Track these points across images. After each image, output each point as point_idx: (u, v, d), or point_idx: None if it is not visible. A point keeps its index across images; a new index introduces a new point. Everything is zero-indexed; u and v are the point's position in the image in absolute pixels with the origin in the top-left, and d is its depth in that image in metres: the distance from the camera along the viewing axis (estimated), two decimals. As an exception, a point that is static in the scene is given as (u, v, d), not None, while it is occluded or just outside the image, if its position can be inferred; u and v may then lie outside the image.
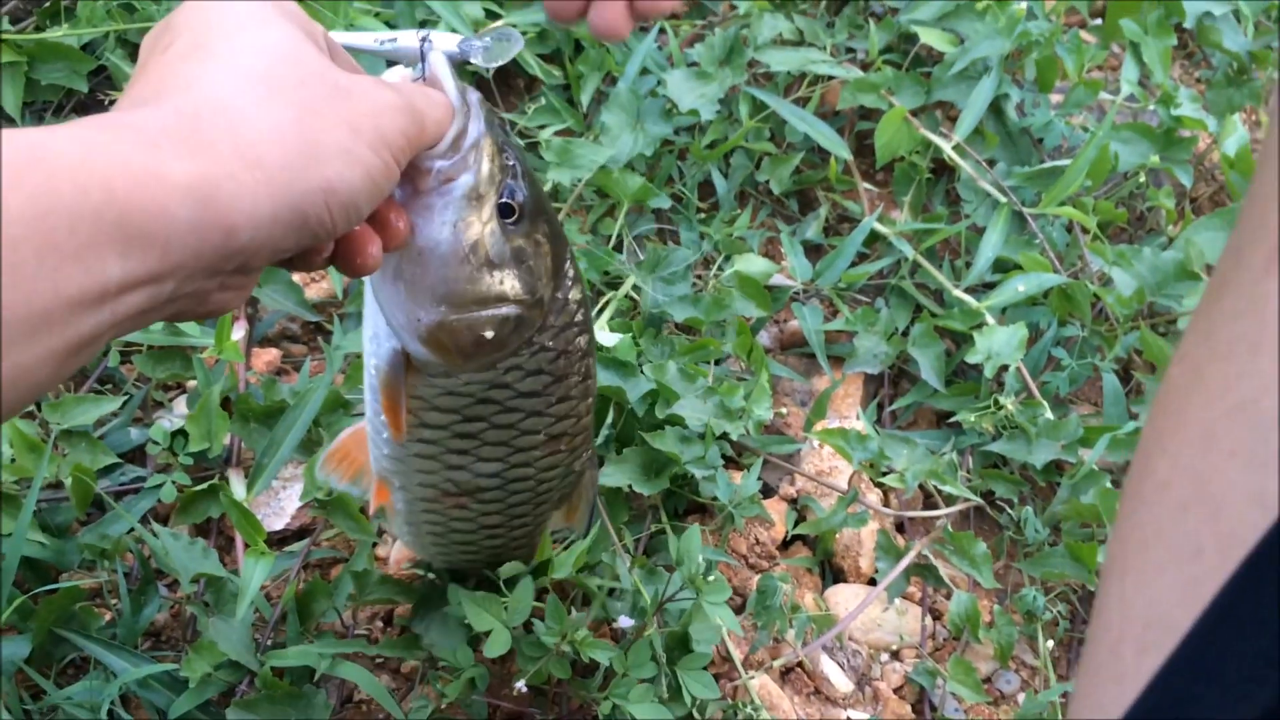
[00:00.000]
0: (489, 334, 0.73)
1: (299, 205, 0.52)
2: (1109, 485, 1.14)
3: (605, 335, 1.16)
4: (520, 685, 0.91)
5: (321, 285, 1.30)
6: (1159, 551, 0.45)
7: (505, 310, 0.73)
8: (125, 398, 1.14)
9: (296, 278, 1.26)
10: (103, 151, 0.47)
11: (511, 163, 0.72)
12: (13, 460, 1.02)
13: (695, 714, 0.97)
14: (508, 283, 0.72)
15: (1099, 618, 0.48)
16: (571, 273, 0.78)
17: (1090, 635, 0.49)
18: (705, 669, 0.98)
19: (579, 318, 0.80)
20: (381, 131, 0.57)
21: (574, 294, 0.79)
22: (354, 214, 0.56)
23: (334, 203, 0.54)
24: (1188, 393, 0.46)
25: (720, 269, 1.34)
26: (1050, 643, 1.10)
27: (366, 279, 0.73)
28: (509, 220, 0.72)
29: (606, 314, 1.23)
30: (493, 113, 0.71)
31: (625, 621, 0.95)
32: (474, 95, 0.69)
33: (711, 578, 0.98)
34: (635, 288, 1.28)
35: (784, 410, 1.26)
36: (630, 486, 1.09)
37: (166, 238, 0.48)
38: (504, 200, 0.71)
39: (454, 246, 0.69)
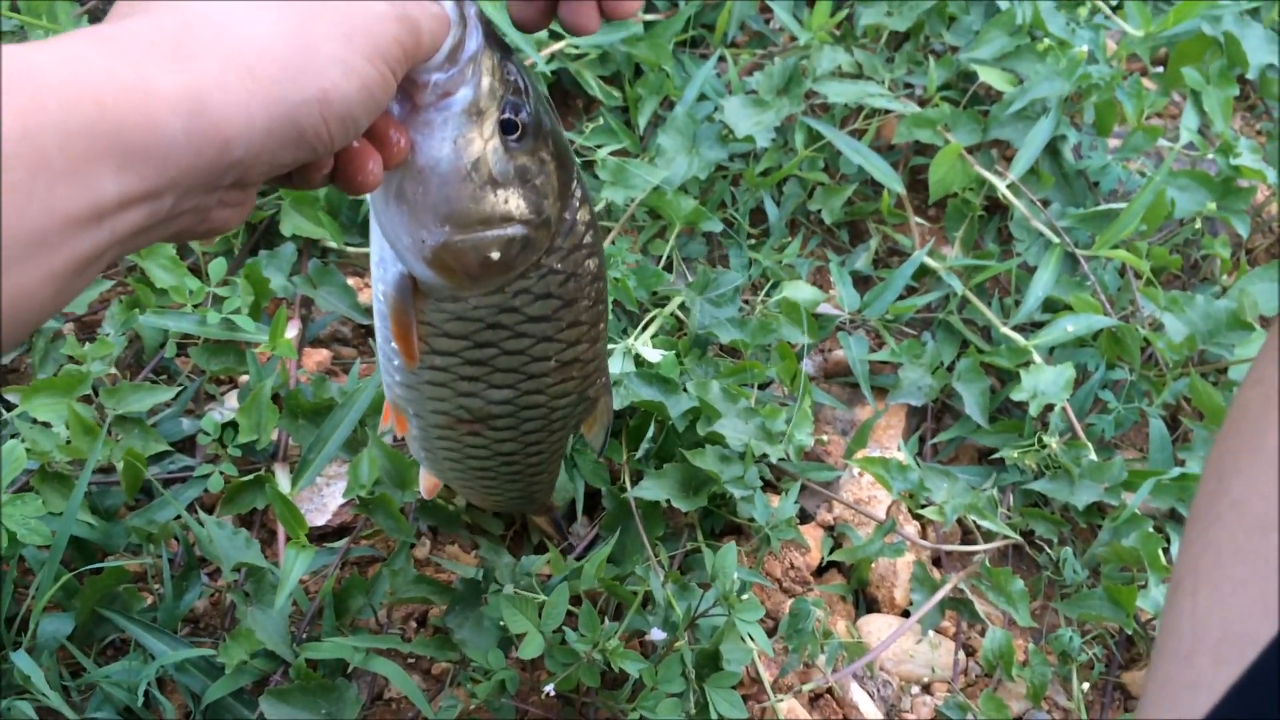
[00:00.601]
0: (495, 255, 0.71)
1: (293, 116, 0.52)
2: (1151, 530, 1.13)
3: (648, 350, 1.17)
4: (549, 689, 0.91)
5: (375, 290, 1.33)
6: (1237, 568, 0.45)
7: (511, 231, 0.71)
8: (179, 389, 1.17)
9: (351, 281, 1.28)
10: (89, 65, 0.47)
11: (514, 78, 0.69)
12: (68, 441, 1.05)
13: (721, 732, 0.97)
14: (513, 202, 0.70)
15: (1168, 632, 0.48)
16: (579, 193, 0.76)
17: (1158, 649, 0.49)
18: (734, 689, 0.98)
19: (588, 240, 0.77)
20: (375, 40, 0.56)
21: (582, 215, 0.76)
22: (351, 127, 0.55)
23: (330, 114, 0.53)
24: (1264, 413, 0.47)
25: (768, 295, 1.35)
26: (1085, 685, 1.08)
27: (370, 201, 0.71)
28: (512, 137, 0.69)
29: (651, 330, 1.24)
30: (494, 26, 0.69)
31: (657, 634, 0.95)
32: (471, 7, 0.66)
33: (745, 597, 0.98)
34: (683, 306, 1.29)
35: (824, 437, 1.26)
36: (668, 501, 1.09)
37: (161, 151, 0.48)
38: (506, 116, 0.69)
39: (455, 164, 0.68)
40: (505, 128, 0.69)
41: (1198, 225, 1.38)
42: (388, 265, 0.75)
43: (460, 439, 0.87)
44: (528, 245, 0.73)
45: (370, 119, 0.57)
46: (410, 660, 1.06)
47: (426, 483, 1.02)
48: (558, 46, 1.48)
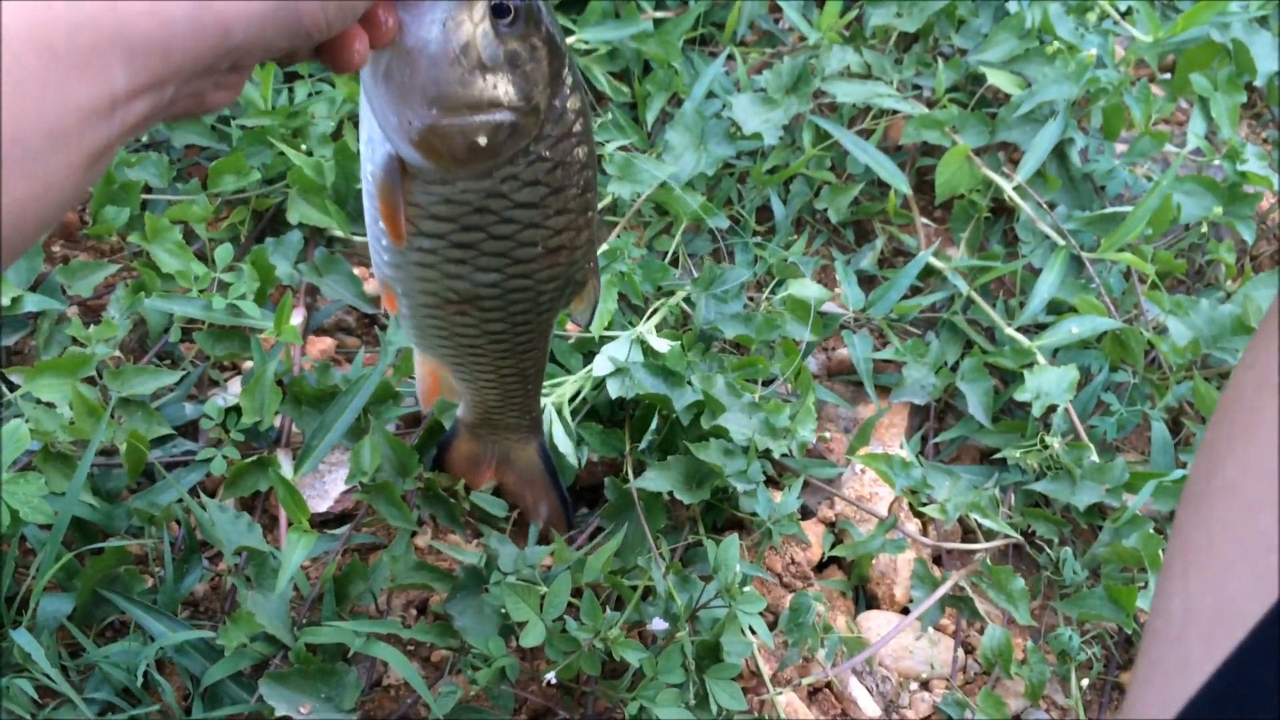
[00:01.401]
0: (482, 140, 0.71)
1: (294, 3, 0.53)
2: (1152, 531, 1.13)
3: (656, 340, 1.17)
4: (550, 677, 0.91)
5: (380, 279, 1.33)
6: (1229, 548, 0.45)
7: (499, 116, 0.71)
8: (183, 373, 1.17)
9: (356, 270, 1.28)
10: None
11: None
12: (71, 422, 1.05)
13: (721, 724, 0.97)
14: (501, 87, 0.70)
15: (1159, 614, 0.48)
16: (570, 81, 0.75)
17: (1149, 630, 0.49)
18: (733, 681, 0.98)
19: (578, 128, 0.77)
20: None
21: (573, 103, 0.76)
22: (349, 13, 0.57)
23: (330, 2, 0.55)
24: (1257, 396, 0.47)
25: (773, 292, 1.35)
26: (1085, 682, 1.08)
27: (362, 80, 0.71)
28: (503, 21, 0.69)
29: (655, 319, 1.24)
30: None
31: (658, 624, 0.95)
32: None
33: (747, 589, 0.98)
34: (688, 299, 1.30)
35: (827, 434, 1.26)
36: (671, 494, 1.09)
37: (166, 42, 0.49)
38: (498, 0, 0.69)
39: (444, 46, 0.68)
40: (497, 11, 0.69)
41: (1204, 230, 1.38)
42: (376, 145, 0.74)
43: (448, 318, 0.86)
44: (515, 131, 0.73)
45: (369, 3, 0.59)
46: (410, 647, 1.06)
47: (423, 386, 0.99)
48: (568, 41, 1.48)
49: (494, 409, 1.03)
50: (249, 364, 1.21)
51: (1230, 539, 0.45)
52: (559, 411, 1.13)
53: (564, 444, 1.12)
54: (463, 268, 0.81)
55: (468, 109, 0.70)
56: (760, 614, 1.01)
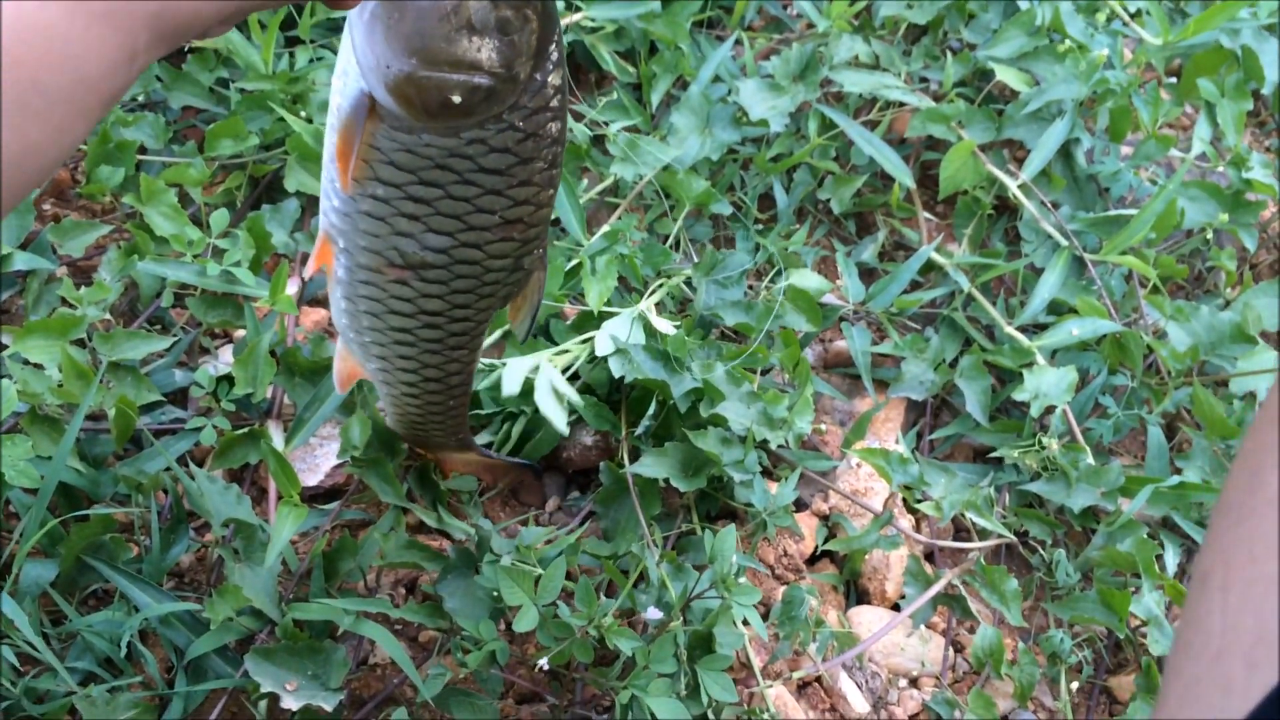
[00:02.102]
0: (456, 99, 0.70)
1: None
2: (1146, 536, 1.13)
3: (660, 321, 1.16)
4: (543, 664, 0.90)
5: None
6: (1271, 566, 0.44)
7: (477, 79, 0.70)
8: (174, 339, 1.15)
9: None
10: None
11: None
12: (60, 385, 1.03)
13: (710, 715, 0.96)
14: (485, 51, 0.70)
15: (1194, 627, 0.47)
16: (555, 56, 0.75)
17: (1182, 643, 0.47)
18: (724, 672, 0.97)
19: (554, 103, 0.76)
20: None
21: (554, 79, 0.75)
22: None
23: None
24: None
25: (772, 281, 1.34)
26: (1074, 685, 1.08)
27: (349, 15, 0.70)
28: None
29: (656, 297, 1.23)
30: None
31: (653, 613, 0.94)
32: None
33: (742, 580, 0.97)
34: (688, 283, 1.28)
35: (823, 427, 1.25)
36: (666, 481, 1.08)
37: (195, 11, 0.52)
38: None
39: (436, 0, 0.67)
40: None
41: (1209, 236, 1.38)
42: (349, 80, 0.73)
43: (386, 286, 0.83)
44: (491, 96, 0.72)
45: None
46: (397, 627, 1.04)
47: (341, 368, 0.97)
48: (575, 18, 1.46)
49: (416, 422, 1.01)
50: (241, 332, 1.19)
51: (1273, 557, 0.44)
52: (553, 382, 1.11)
53: (553, 412, 1.10)
54: (414, 225, 0.79)
55: (448, 65, 0.69)
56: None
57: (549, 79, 0.75)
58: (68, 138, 0.51)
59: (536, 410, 1.09)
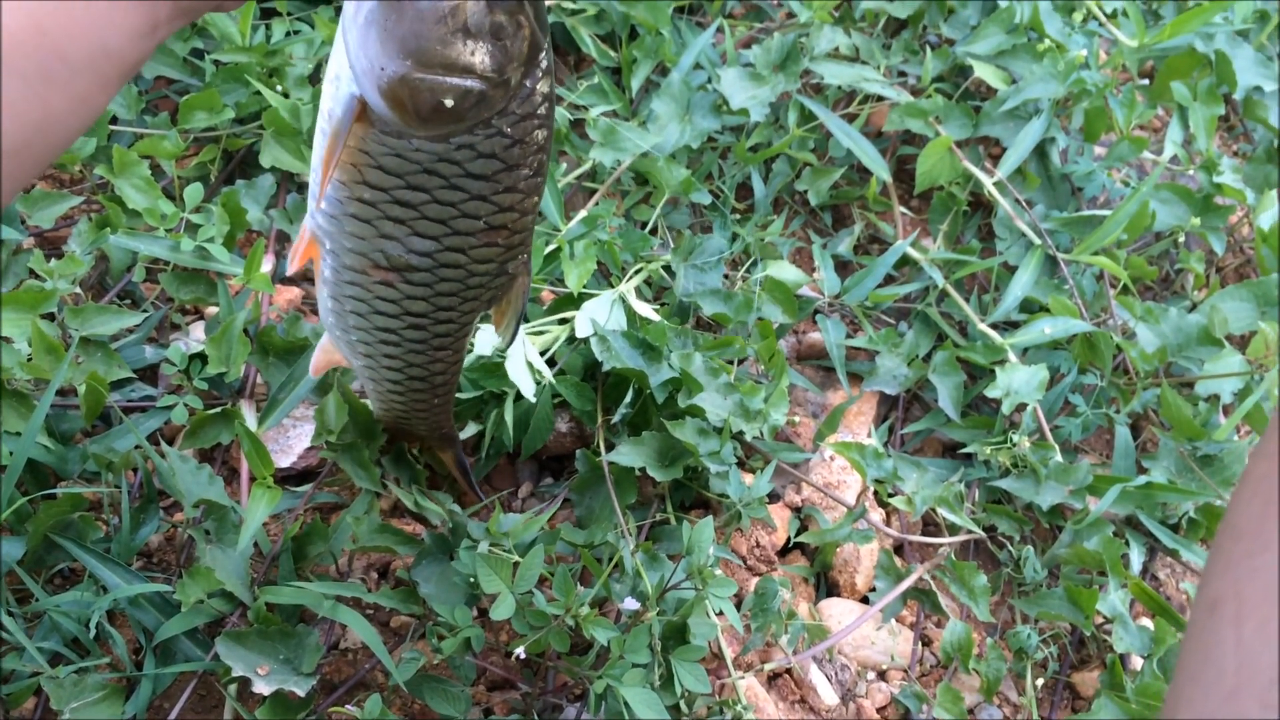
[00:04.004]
0: (448, 102, 0.71)
1: None
2: (1111, 535, 1.15)
3: (641, 305, 1.15)
4: (519, 652, 0.90)
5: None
6: None
7: (470, 83, 0.71)
8: (144, 314, 1.13)
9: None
10: None
11: None
12: (29, 359, 1.01)
13: (683, 706, 0.97)
14: (479, 56, 0.70)
15: (1204, 659, 0.46)
16: (545, 64, 0.75)
17: (1189, 674, 0.47)
18: (698, 663, 0.98)
19: (542, 111, 0.77)
20: None
21: (542, 86, 0.76)
22: None
23: None
24: None
25: (749, 271, 1.34)
26: (1040, 681, 1.10)
27: (343, 15, 0.71)
28: None
29: (635, 281, 1.23)
30: None
31: (630, 604, 0.94)
32: None
33: (718, 572, 0.98)
34: (667, 269, 1.28)
35: (795, 419, 1.26)
36: (643, 469, 1.08)
37: None
38: None
39: (434, 2, 0.68)
40: None
41: (1182, 239, 1.39)
42: (342, 84, 0.73)
43: (371, 287, 0.84)
44: (482, 101, 0.72)
45: None
46: (369, 612, 1.04)
47: (321, 358, 0.98)
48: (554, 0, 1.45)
49: (401, 416, 1.01)
50: (212, 309, 1.17)
51: None
52: (530, 361, 1.10)
53: (522, 380, 1.09)
54: (400, 228, 0.80)
55: (442, 68, 0.70)
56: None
57: (538, 86, 0.75)
58: (89, 108, 0.51)
59: (519, 396, 1.08)
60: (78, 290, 1.11)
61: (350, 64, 0.71)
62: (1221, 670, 0.45)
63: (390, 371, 0.93)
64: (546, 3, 1.41)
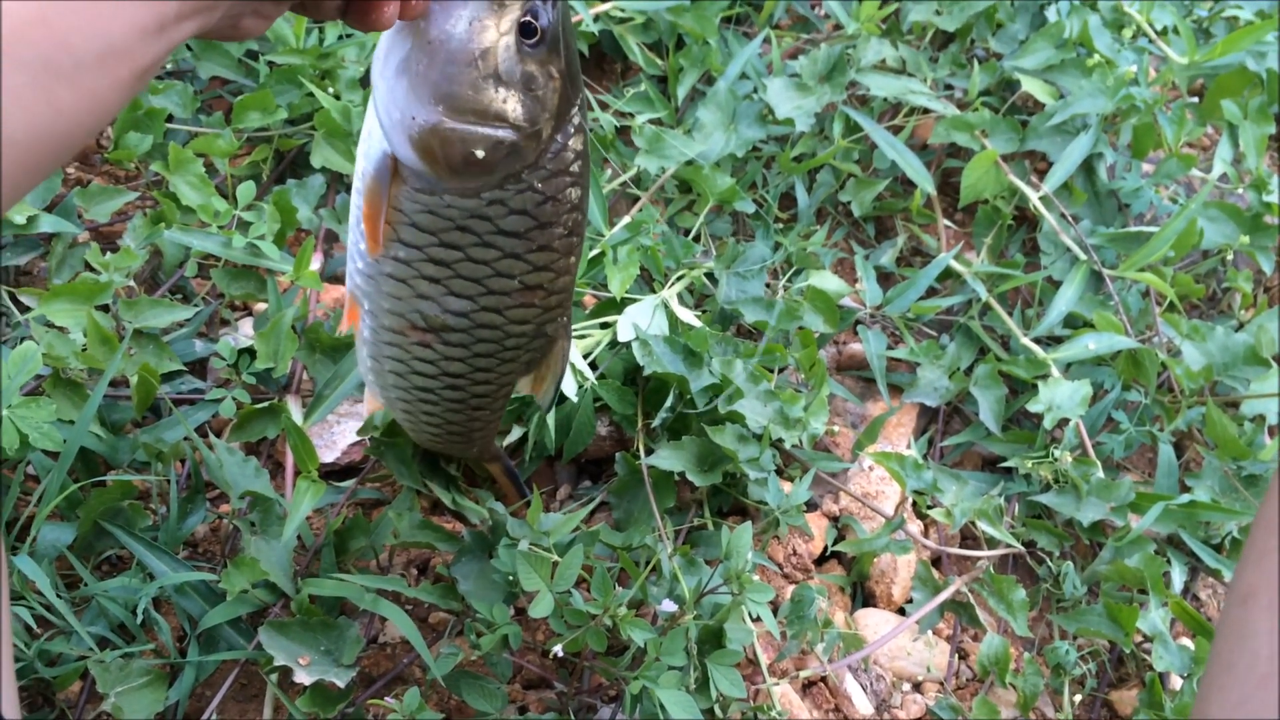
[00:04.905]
0: (479, 153, 0.71)
1: None
2: (1153, 553, 1.14)
3: (684, 311, 1.16)
4: (557, 650, 0.91)
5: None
6: None
7: (501, 133, 0.71)
8: (195, 309, 1.15)
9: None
10: None
11: None
12: (84, 349, 1.03)
13: (718, 710, 0.97)
14: (510, 104, 0.70)
15: (1239, 646, 0.47)
16: (577, 121, 0.76)
17: (1223, 661, 0.48)
18: (734, 667, 0.98)
19: (575, 169, 0.77)
20: None
21: (575, 144, 0.76)
22: None
23: None
24: None
25: (790, 280, 1.34)
26: (1077, 698, 1.09)
27: (373, 71, 0.72)
28: (528, 41, 0.70)
29: (678, 286, 1.23)
30: None
31: (667, 606, 0.94)
32: None
33: (756, 578, 0.98)
34: (709, 276, 1.29)
35: (835, 428, 1.26)
36: (682, 474, 1.08)
37: None
38: (527, 20, 0.69)
39: (465, 46, 0.68)
40: (524, 30, 0.70)
41: (1229, 257, 1.38)
42: (374, 143, 0.74)
43: (409, 348, 0.84)
44: (513, 152, 0.72)
45: None
46: (408, 607, 1.05)
47: (369, 403, 1.00)
48: (604, 7, 1.47)
49: (440, 453, 1.04)
50: (261, 305, 1.19)
51: None
52: (572, 363, 1.11)
53: (570, 388, 1.10)
54: (435, 288, 0.80)
55: (474, 115, 0.70)
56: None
57: (570, 142, 0.75)
58: (101, 106, 0.51)
59: (561, 398, 1.09)
60: (132, 284, 1.13)
61: (380, 119, 0.72)
62: (1255, 657, 0.46)
63: (430, 427, 0.94)
64: (594, 11, 1.43)
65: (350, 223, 0.80)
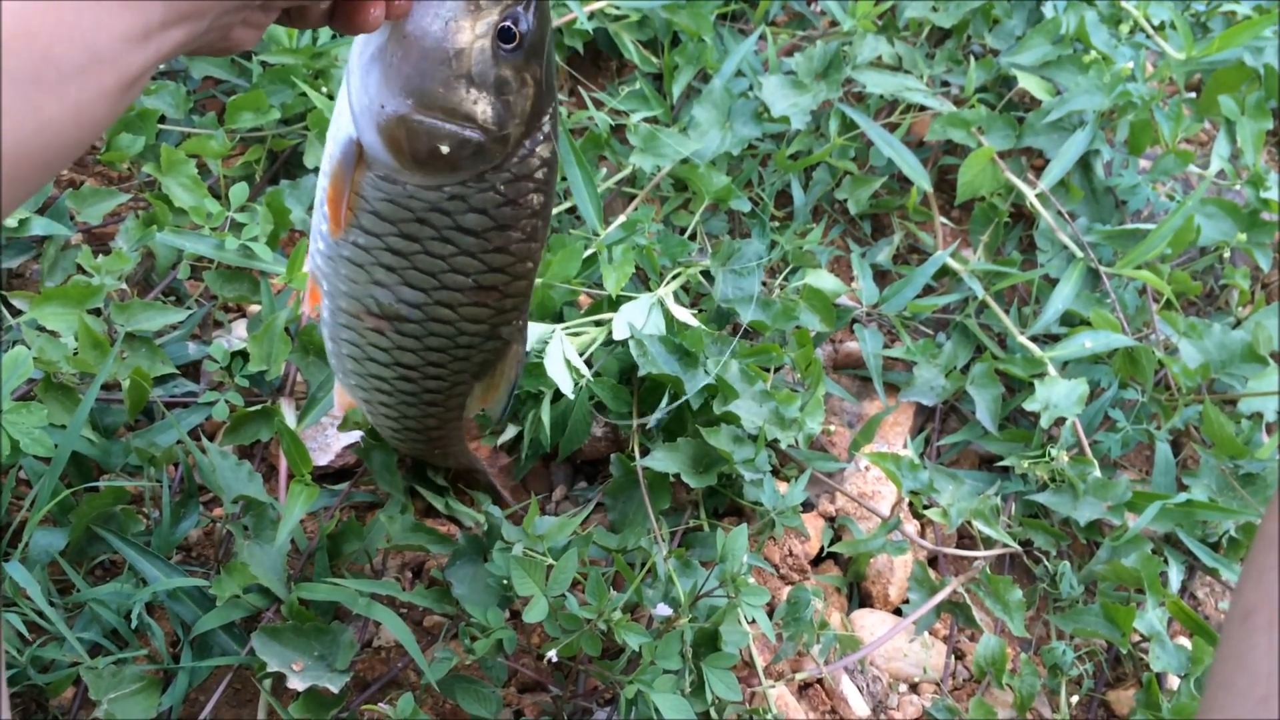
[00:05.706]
0: (444, 149, 0.71)
1: None
2: (1149, 552, 1.14)
3: (680, 310, 1.16)
4: (551, 655, 0.90)
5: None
6: None
7: (468, 132, 0.71)
8: (188, 311, 1.14)
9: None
10: None
11: None
12: (75, 353, 1.02)
13: (713, 713, 0.97)
14: (480, 106, 0.71)
15: (1238, 665, 0.46)
16: (548, 129, 0.76)
17: (1222, 680, 0.47)
18: (729, 670, 0.98)
19: (539, 176, 0.77)
20: None
21: (543, 151, 0.76)
22: None
23: None
24: None
25: (786, 279, 1.34)
26: (1074, 699, 1.09)
27: (350, 55, 0.71)
28: (506, 46, 0.70)
29: (674, 285, 1.23)
30: None
31: (662, 609, 0.94)
32: None
33: (752, 580, 0.98)
34: (705, 274, 1.28)
35: (831, 428, 1.25)
36: (677, 475, 1.08)
37: None
38: (506, 24, 0.70)
39: (440, 43, 0.68)
40: (503, 35, 0.70)
41: (1227, 254, 1.38)
42: (342, 127, 0.74)
43: (363, 333, 0.85)
44: (478, 153, 0.73)
45: None
46: (402, 611, 1.04)
47: (340, 398, 0.99)
48: (599, 5, 1.46)
49: (408, 452, 1.03)
50: (254, 307, 1.18)
51: None
52: (568, 359, 1.11)
53: (561, 377, 1.09)
54: (391, 276, 0.80)
55: (443, 112, 0.71)
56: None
57: (537, 149, 0.76)
58: (88, 117, 0.50)
59: (556, 397, 1.09)
60: (124, 286, 1.13)
61: (352, 103, 0.72)
62: (1254, 676, 0.45)
63: (387, 419, 0.95)
64: (589, 8, 1.42)
65: (315, 203, 0.81)
